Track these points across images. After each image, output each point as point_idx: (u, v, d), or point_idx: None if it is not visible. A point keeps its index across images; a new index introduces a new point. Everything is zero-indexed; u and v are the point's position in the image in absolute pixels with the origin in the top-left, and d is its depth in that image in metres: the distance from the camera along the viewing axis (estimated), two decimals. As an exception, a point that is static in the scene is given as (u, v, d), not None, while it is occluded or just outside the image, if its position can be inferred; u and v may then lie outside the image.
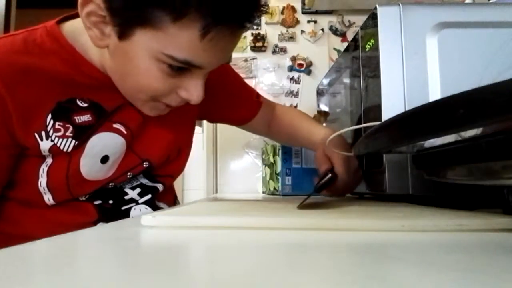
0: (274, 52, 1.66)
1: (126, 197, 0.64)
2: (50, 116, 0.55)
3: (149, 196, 0.66)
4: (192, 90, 0.53)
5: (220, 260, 0.21)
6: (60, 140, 0.56)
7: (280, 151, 1.01)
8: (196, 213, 0.38)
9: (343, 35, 1.68)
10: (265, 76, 1.65)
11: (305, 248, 0.24)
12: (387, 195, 0.55)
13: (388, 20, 0.58)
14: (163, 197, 0.70)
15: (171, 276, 0.17)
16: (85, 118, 0.57)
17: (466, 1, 0.94)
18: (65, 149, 0.56)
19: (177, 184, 1.85)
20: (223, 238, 0.28)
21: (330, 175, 0.61)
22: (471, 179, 0.36)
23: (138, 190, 0.65)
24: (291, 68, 1.65)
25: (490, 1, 0.84)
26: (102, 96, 0.58)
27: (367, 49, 0.63)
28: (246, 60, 1.66)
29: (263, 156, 1.18)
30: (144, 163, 0.64)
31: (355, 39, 0.72)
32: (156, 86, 0.52)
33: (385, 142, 0.38)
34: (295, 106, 1.63)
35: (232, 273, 0.17)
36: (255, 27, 1.67)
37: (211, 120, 0.85)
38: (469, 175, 0.36)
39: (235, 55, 1.65)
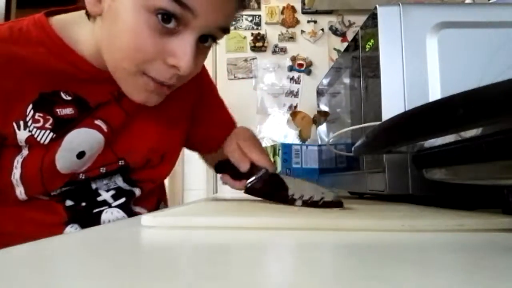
0: (274, 52, 1.66)
1: (99, 199, 0.61)
2: (31, 106, 0.53)
3: (123, 199, 0.63)
4: (180, 54, 0.48)
5: (220, 260, 0.21)
6: (38, 131, 0.54)
7: (280, 151, 1.01)
8: (196, 213, 0.38)
9: (343, 35, 1.68)
10: (265, 76, 1.65)
11: (305, 248, 0.24)
12: (387, 195, 0.55)
13: (388, 20, 0.58)
14: (141, 202, 0.67)
15: (171, 277, 0.17)
16: (67, 111, 0.55)
17: (466, 1, 0.94)
18: (42, 141, 0.54)
19: (177, 184, 1.84)
20: (223, 238, 0.28)
21: (264, 170, 0.58)
22: (471, 179, 0.36)
23: (112, 192, 0.62)
24: (291, 68, 1.65)
25: (490, 1, 0.84)
26: (88, 90, 0.56)
27: (367, 49, 0.63)
28: (246, 60, 1.66)
29: (263, 156, 1.18)
30: (120, 161, 0.62)
31: (355, 39, 0.72)
32: (143, 44, 0.47)
33: (385, 142, 0.38)
34: (295, 106, 1.63)
35: (232, 273, 0.17)
36: (255, 27, 1.67)
37: (192, 138, 0.75)
38: (469, 175, 0.36)
39: (235, 55, 1.65)
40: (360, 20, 1.63)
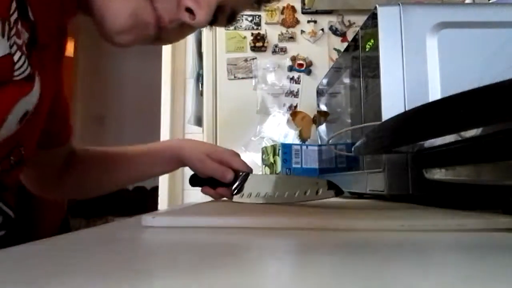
0: (274, 52, 1.66)
1: None
2: (15, 3, 0.33)
3: (2, 232, 0.43)
4: (203, 3, 0.42)
5: (220, 260, 0.21)
6: (19, 53, 0.34)
7: (280, 151, 1.01)
8: (196, 213, 0.38)
9: (343, 35, 1.68)
10: (265, 76, 1.65)
11: (305, 248, 0.24)
12: (387, 195, 0.55)
13: (388, 20, 0.58)
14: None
15: (171, 276, 0.17)
16: (26, 36, 0.36)
17: (466, 1, 0.94)
18: (17, 74, 0.34)
19: (177, 184, 1.84)
20: (223, 238, 0.28)
21: (244, 173, 0.60)
22: (471, 179, 0.36)
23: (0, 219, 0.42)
24: (291, 68, 1.65)
25: (490, 1, 0.84)
26: (46, 19, 0.39)
27: (367, 49, 0.63)
28: (246, 60, 1.66)
29: (263, 156, 1.18)
30: (21, 149, 0.42)
31: (355, 39, 0.72)
32: None
33: (385, 142, 0.38)
34: (295, 106, 1.63)
35: (232, 273, 0.17)
36: (255, 27, 1.67)
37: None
38: (469, 175, 0.36)
39: (235, 55, 1.65)
40: (360, 20, 1.63)
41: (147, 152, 0.68)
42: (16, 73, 0.34)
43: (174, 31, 0.44)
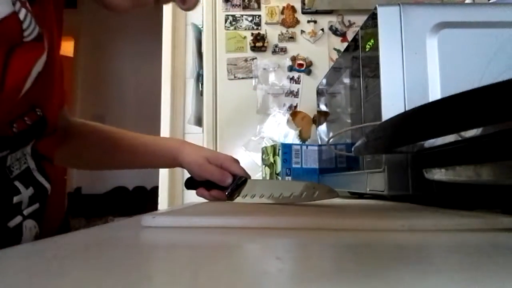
0: (274, 52, 1.66)
1: (16, 199, 0.38)
2: None
3: (37, 205, 0.41)
4: None
5: (220, 260, 0.21)
6: (24, 11, 0.32)
7: (280, 151, 1.01)
8: (196, 213, 0.38)
9: (343, 35, 1.68)
10: (265, 76, 1.65)
11: (305, 248, 0.24)
12: (387, 195, 0.55)
13: (388, 20, 0.58)
14: (53, 207, 0.46)
15: (171, 276, 0.17)
16: None
17: (466, 1, 0.94)
18: (26, 34, 0.32)
19: (177, 183, 1.84)
20: (222, 238, 0.28)
21: (242, 178, 0.61)
22: (471, 179, 0.36)
23: (31, 190, 0.40)
24: (291, 68, 1.65)
25: (490, 1, 0.84)
26: None
27: (367, 49, 0.63)
28: (246, 60, 1.66)
29: (263, 156, 1.18)
30: (38, 111, 0.39)
31: (355, 39, 0.72)
32: None
33: (385, 142, 0.38)
34: (295, 106, 1.63)
35: (232, 273, 0.17)
36: (255, 27, 1.67)
37: None
38: (469, 175, 0.36)
39: (235, 55, 1.65)
40: (360, 20, 1.63)
41: (150, 144, 0.69)
42: (25, 33, 0.32)
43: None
